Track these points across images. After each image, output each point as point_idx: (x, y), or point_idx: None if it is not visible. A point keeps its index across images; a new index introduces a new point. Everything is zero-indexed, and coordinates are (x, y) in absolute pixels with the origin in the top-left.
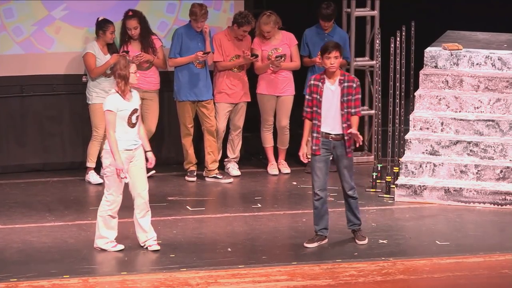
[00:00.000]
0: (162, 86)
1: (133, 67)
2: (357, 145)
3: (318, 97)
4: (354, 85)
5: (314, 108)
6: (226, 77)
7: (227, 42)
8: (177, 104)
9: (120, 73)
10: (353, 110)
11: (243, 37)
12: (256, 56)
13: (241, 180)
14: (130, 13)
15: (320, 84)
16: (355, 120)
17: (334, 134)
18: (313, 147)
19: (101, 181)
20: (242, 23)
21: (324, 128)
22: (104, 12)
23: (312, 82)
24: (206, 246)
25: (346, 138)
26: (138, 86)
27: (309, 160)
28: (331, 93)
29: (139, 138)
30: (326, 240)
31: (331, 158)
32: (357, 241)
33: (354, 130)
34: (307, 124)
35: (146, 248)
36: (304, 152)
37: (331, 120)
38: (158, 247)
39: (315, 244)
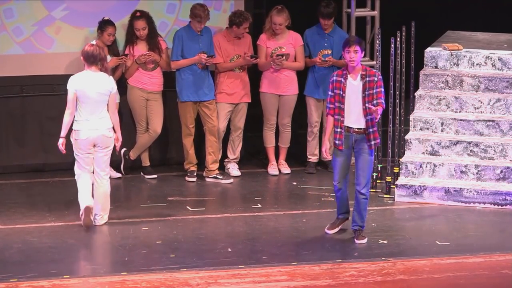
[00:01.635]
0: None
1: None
2: (375, 117)
3: (341, 92)
4: (376, 79)
5: (337, 104)
6: (227, 77)
7: (226, 43)
8: (178, 104)
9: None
10: (375, 102)
11: (243, 36)
12: (256, 57)
13: (241, 180)
14: (138, 14)
15: (342, 80)
16: (376, 107)
17: (357, 128)
18: (337, 142)
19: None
20: (241, 22)
21: (347, 123)
22: (104, 12)
23: (334, 78)
24: (206, 246)
25: (367, 132)
26: (143, 87)
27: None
28: (353, 88)
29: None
30: (347, 220)
31: (352, 154)
32: (356, 240)
33: (372, 107)
34: (330, 120)
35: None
36: (327, 148)
37: (354, 115)
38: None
39: (335, 230)
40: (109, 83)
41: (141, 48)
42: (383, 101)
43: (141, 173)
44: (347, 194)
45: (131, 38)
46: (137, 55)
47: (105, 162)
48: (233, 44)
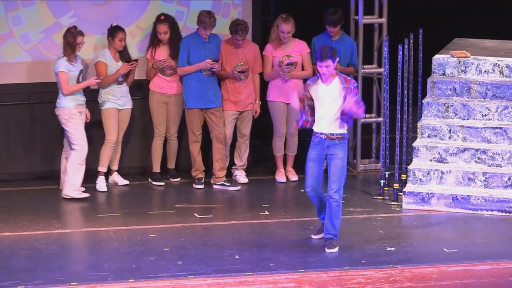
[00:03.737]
0: None
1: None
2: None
3: (315, 95)
4: (351, 87)
5: (310, 102)
6: (232, 85)
7: (229, 51)
8: (185, 111)
9: (68, 41)
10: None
11: (240, 44)
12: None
13: (249, 187)
14: (162, 17)
15: (315, 85)
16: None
17: (329, 134)
18: (309, 118)
19: (105, 189)
20: (232, 31)
21: (319, 128)
22: (112, 19)
23: (308, 82)
24: (214, 253)
25: (338, 138)
26: (163, 92)
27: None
28: (326, 93)
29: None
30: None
31: (325, 159)
32: (326, 249)
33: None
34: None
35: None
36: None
37: (326, 120)
38: (88, 195)
39: (321, 235)
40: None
41: (163, 52)
42: (360, 101)
43: (149, 180)
44: (323, 196)
45: (154, 41)
46: (156, 59)
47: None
48: (238, 52)
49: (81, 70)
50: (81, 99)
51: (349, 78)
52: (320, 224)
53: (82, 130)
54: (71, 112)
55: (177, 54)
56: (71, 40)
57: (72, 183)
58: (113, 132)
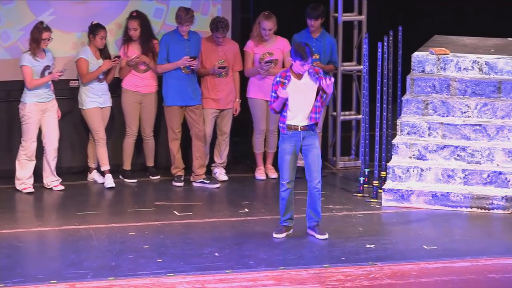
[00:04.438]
0: None
1: (46, 34)
2: (324, 83)
3: (288, 92)
4: (321, 74)
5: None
6: (212, 83)
7: (209, 48)
8: (165, 109)
9: (33, 36)
10: (323, 81)
11: (220, 42)
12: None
13: (229, 185)
14: (134, 14)
15: (286, 81)
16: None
17: (303, 125)
18: (281, 135)
19: (113, 185)
20: (213, 29)
21: (293, 121)
22: (91, 17)
23: (278, 79)
24: (193, 251)
25: (314, 128)
26: (136, 90)
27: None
28: (298, 88)
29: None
30: (291, 231)
31: (299, 151)
32: (317, 235)
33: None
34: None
35: (51, 188)
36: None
37: (301, 113)
38: (63, 187)
39: (283, 235)
40: None
41: (135, 49)
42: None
43: (120, 177)
44: (293, 196)
45: (125, 38)
46: (128, 56)
47: None
48: (218, 50)
49: (47, 66)
50: (45, 96)
51: (317, 68)
52: (281, 226)
53: (35, 128)
54: (29, 109)
55: (149, 51)
56: (36, 36)
57: (18, 176)
58: (101, 129)
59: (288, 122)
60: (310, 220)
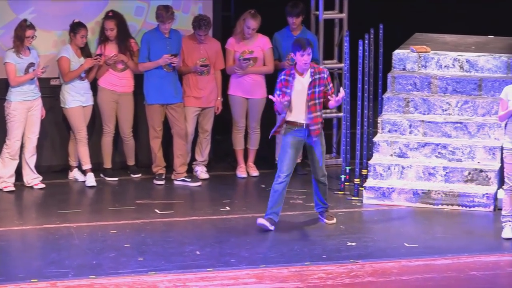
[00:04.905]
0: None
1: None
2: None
3: (289, 91)
4: (325, 76)
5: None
6: (194, 81)
7: (191, 46)
8: (146, 107)
9: (17, 34)
10: (333, 95)
11: (202, 40)
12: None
13: (210, 183)
14: (110, 14)
15: (290, 79)
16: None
17: (306, 124)
18: (282, 131)
19: (94, 184)
20: (195, 27)
21: (295, 117)
22: (72, 15)
23: (283, 77)
24: (175, 249)
25: (314, 127)
26: (113, 89)
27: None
28: (302, 86)
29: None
30: (273, 228)
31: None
32: (325, 221)
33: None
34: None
35: (32, 187)
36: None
37: (303, 112)
38: (43, 185)
39: (267, 223)
40: None
41: (112, 49)
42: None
43: (101, 175)
44: (285, 192)
45: (102, 37)
46: (107, 55)
47: None
48: (200, 48)
49: (31, 63)
50: (31, 94)
51: (321, 67)
52: (265, 219)
53: (20, 127)
54: (14, 107)
55: (126, 50)
56: (20, 33)
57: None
58: (83, 128)
59: (292, 119)
60: (317, 206)
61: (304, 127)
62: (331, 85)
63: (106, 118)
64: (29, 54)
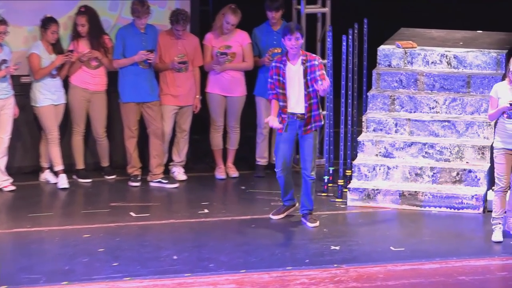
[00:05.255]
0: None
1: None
2: (322, 87)
3: (281, 78)
4: (316, 63)
5: (279, 90)
6: (171, 78)
7: (169, 42)
8: (120, 105)
9: None
10: (320, 83)
11: (180, 35)
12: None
13: (187, 184)
14: (82, 9)
15: (282, 66)
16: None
17: (300, 114)
18: (279, 126)
19: (67, 186)
20: (172, 22)
21: (290, 109)
22: (43, 10)
23: (273, 64)
24: (151, 254)
25: (310, 115)
26: (85, 87)
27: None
28: (293, 74)
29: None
30: (294, 208)
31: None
32: (308, 224)
33: (320, 86)
34: (275, 102)
35: (1, 189)
36: (274, 121)
37: (295, 100)
38: (14, 187)
39: (281, 216)
40: None
41: (84, 45)
42: (326, 77)
43: (74, 177)
44: (290, 178)
45: (74, 33)
46: (80, 52)
47: None
48: (177, 44)
49: (4, 60)
50: (3, 92)
51: (314, 55)
52: (281, 205)
53: None
54: None
55: (99, 47)
56: None
57: None
58: (54, 128)
59: (283, 109)
60: (303, 207)
61: (295, 118)
62: (319, 72)
63: (76, 118)
64: (1, 51)
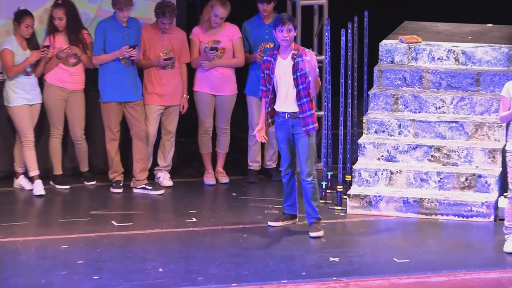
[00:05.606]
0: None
1: None
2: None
3: (270, 73)
4: (308, 58)
5: (269, 86)
6: (156, 76)
7: (154, 36)
8: (101, 105)
9: None
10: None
11: (166, 29)
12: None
13: (174, 191)
14: (59, 1)
15: (272, 60)
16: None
17: (292, 113)
18: (269, 120)
19: (43, 192)
20: (157, 14)
21: (279, 107)
22: (17, 2)
23: (265, 58)
24: (135, 266)
25: (300, 116)
26: (63, 86)
27: (266, 140)
28: (283, 69)
29: None
30: (293, 221)
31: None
32: (309, 233)
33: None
34: (264, 102)
35: None
36: (263, 134)
37: (284, 97)
38: None
39: (279, 224)
40: None
41: (61, 41)
42: (318, 77)
43: (51, 183)
44: (294, 182)
45: (50, 27)
46: (58, 47)
47: None
48: (163, 38)
49: None
50: None
51: (306, 50)
52: (281, 213)
53: None
54: None
55: (78, 43)
56: None
57: None
58: (29, 130)
59: (275, 107)
60: (308, 216)
61: (287, 118)
62: (311, 70)
63: (54, 119)
64: None
